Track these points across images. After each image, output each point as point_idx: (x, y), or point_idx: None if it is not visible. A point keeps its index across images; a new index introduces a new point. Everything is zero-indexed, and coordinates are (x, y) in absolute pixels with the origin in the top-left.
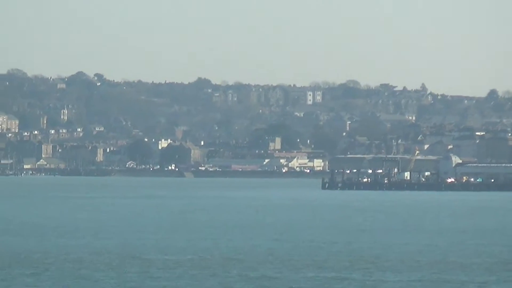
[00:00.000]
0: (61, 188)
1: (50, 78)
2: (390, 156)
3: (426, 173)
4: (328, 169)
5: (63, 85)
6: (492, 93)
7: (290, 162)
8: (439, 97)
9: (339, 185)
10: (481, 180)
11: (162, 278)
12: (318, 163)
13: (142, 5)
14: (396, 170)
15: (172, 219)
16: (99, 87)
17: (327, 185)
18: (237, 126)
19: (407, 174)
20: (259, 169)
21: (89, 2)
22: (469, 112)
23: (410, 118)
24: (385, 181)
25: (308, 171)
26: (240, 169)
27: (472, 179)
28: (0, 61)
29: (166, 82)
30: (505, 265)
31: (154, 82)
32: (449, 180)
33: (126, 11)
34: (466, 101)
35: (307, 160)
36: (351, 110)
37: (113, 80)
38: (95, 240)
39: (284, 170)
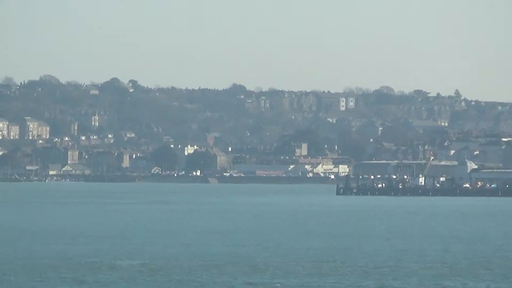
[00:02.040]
0: (68, 194)
1: (83, 84)
2: (405, 161)
3: (442, 179)
4: (352, 175)
5: (96, 92)
6: None
7: (315, 168)
8: (472, 103)
9: (354, 190)
10: (495, 186)
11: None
12: (343, 169)
13: (178, 10)
14: (409, 175)
15: (146, 225)
16: (132, 94)
17: (341, 190)
18: (268, 132)
19: (421, 180)
20: (284, 175)
21: (124, 10)
22: (502, 118)
23: (443, 124)
24: (400, 187)
25: (332, 176)
26: (265, 175)
27: (487, 185)
28: (33, 68)
29: (200, 88)
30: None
31: (188, 88)
32: (464, 186)
33: (161, 18)
34: (500, 107)
35: (332, 166)
36: (383, 116)
37: (147, 87)
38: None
39: (309, 176)
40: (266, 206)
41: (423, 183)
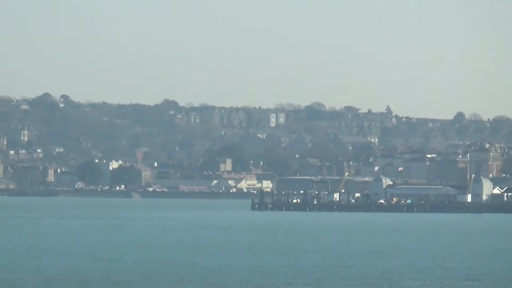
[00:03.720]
0: None
1: (14, 99)
2: (320, 177)
3: (357, 194)
4: (275, 190)
5: (27, 106)
6: (459, 116)
7: (239, 183)
8: (403, 119)
9: (269, 206)
10: (410, 201)
11: None
12: (266, 184)
13: (111, 25)
14: (325, 191)
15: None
16: (62, 109)
17: (256, 206)
18: (197, 148)
19: (336, 195)
20: (207, 190)
21: (57, 24)
22: (432, 135)
23: (373, 140)
24: (315, 202)
25: (256, 192)
26: (188, 190)
27: (402, 201)
28: None
29: (132, 103)
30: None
31: (119, 103)
32: (379, 202)
33: (94, 33)
34: (430, 124)
35: (256, 182)
36: (313, 132)
37: (78, 102)
38: None
39: (232, 191)
40: (172, 222)
41: (338, 199)
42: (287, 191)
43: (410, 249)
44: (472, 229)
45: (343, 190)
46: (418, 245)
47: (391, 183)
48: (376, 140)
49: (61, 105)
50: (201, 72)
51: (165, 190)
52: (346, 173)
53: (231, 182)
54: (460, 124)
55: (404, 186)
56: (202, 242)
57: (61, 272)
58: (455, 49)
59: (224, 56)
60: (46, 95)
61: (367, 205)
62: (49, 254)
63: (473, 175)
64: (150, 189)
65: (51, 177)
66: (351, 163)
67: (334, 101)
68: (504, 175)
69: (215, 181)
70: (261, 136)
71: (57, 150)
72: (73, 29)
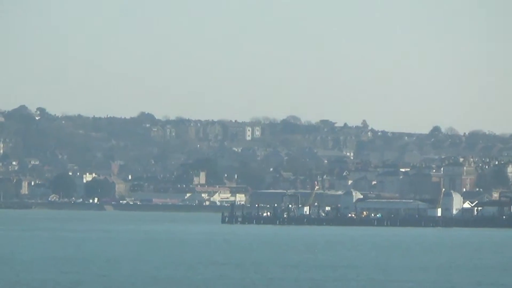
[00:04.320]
0: None
1: None
2: (293, 190)
3: (327, 208)
4: (249, 204)
5: (2, 119)
6: (435, 130)
7: (212, 196)
8: (379, 133)
9: (239, 219)
10: (380, 215)
11: None
12: (240, 198)
13: (85, 37)
14: (295, 204)
15: None
16: (38, 121)
17: (226, 219)
18: (173, 161)
19: (306, 209)
20: (180, 203)
21: (33, 37)
22: (408, 149)
23: (348, 154)
24: (285, 216)
25: (228, 205)
26: (161, 203)
27: (372, 215)
28: None
29: (107, 116)
30: None
31: (95, 116)
32: (349, 215)
33: (70, 46)
34: (406, 138)
35: (229, 195)
36: (288, 145)
37: (54, 114)
38: None
39: (205, 204)
40: (132, 234)
41: (308, 213)
42: (259, 205)
43: (365, 263)
44: (437, 243)
45: (316, 204)
46: (377, 258)
47: (362, 196)
48: (352, 154)
49: (37, 118)
50: (178, 85)
51: (138, 203)
52: (317, 187)
53: (204, 195)
54: (436, 138)
55: (374, 200)
56: (150, 255)
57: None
58: (432, 64)
59: (201, 69)
60: (23, 107)
61: (337, 218)
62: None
63: (443, 189)
64: (123, 202)
65: (25, 190)
66: (325, 176)
67: (310, 115)
68: (477, 189)
69: (188, 194)
70: (236, 150)
71: (32, 162)
72: (50, 43)
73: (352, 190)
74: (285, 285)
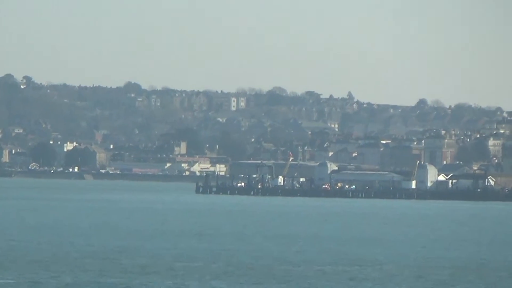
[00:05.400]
0: None
1: None
2: (265, 162)
3: (302, 179)
4: (228, 174)
5: None
6: (421, 102)
7: (192, 166)
8: (364, 105)
9: (213, 189)
10: (354, 187)
11: None
12: (220, 168)
13: (75, 8)
14: (269, 175)
15: None
16: (23, 90)
17: (201, 189)
18: (157, 131)
19: (281, 180)
20: (160, 173)
21: (20, 5)
22: (392, 121)
23: (333, 126)
24: (259, 186)
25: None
26: (141, 173)
27: (347, 186)
28: None
29: (93, 85)
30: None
31: (81, 85)
32: (323, 187)
33: (59, 14)
34: (391, 110)
35: (210, 165)
36: (273, 117)
37: (40, 83)
38: None
39: (185, 174)
40: (101, 203)
41: (282, 183)
42: (234, 175)
43: (325, 235)
44: (407, 215)
45: (295, 174)
46: (341, 230)
47: (337, 168)
48: (336, 125)
49: (22, 87)
50: (166, 56)
51: (118, 173)
52: (291, 158)
53: (184, 165)
54: (422, 111)
55: (349, 172)
56: (107, 225)
57: None
58: (419, 36)
59: (188, 39)
60: (9, 76)
61: (311, 190)
62: None
63: (418, 162)
64: (103, 171)
65: (6, 158)
66: (306, 148)
67: (296, 87)
68: (458, 162)
69: (168, 164)
70: (221, 120)
71: (16, 131)
72: (37, 11)
73: (327, 161)
74: (201, 256)
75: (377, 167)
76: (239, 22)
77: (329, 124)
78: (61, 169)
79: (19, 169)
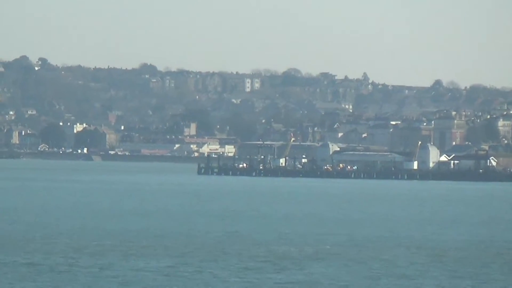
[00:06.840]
0: None
1: None
2: (273, 143)
3: (304, 160)
4: (237, 155)
5: (2, 69)
6: (436, 83)
7: (201, 147)
8: (379, 86)
9: (215, 170)
10: (356, 168)
11: None
12: (229, 149)
13: None
14: (271, 156)
15: None
16: (38, 72)
17: (202, 170)
18: (171, 112)
19: (282, 161)
20: (169, 154)
21: None
22: (407, 102)
23: (347, 107)
24: (261, 167)
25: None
26: (149, 154)
27: (348, 167)
28: None
29: (109, 67)
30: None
31: (96, 67)
32: (325, 168)
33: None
34: (406, 91)
35: (218, 146)
36: (287, 98)
37: (55, 65)
38: None
39: (194, 156)
40: (100, 184)
41: (284, 164)
42: (245, 157)
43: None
44: (409, 196)
45: (302, 156)
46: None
47: (338, 149)
48: (350, 106)
49: (37, 68)
50: (181, 37)
51: (127, 154)
52: (292, 139)
53: (193, 147)
54: (437, 92)
55: (351, 153)
56: (99, 204)
57: None
58: (436, 17)
59: (203, 21)
60: (24, 58)
61: (313, 171)
62: None
63: (419, 142)
64: (112, 152)
65: (16, 139)
66: (316, 129)
67: (310, 68)
68: (467, 142)
69: (177, 145)
70: (235, 101)
71: (29, 112)
72: None
73: (328, 142)
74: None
75: (385, 148)
76: (255, 3)
77: (343, 105)
78: (70, 150)
79: (28, 151)
